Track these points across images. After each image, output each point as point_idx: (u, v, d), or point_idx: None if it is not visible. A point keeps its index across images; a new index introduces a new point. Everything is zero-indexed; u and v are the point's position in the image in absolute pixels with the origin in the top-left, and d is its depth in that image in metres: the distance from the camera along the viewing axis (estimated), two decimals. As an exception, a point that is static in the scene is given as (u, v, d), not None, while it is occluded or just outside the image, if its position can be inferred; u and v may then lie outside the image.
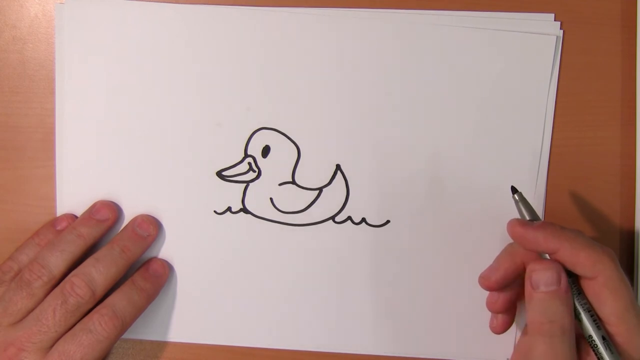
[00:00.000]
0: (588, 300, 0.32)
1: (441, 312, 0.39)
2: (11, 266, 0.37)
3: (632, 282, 0.39)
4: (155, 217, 0.39)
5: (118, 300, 0.36)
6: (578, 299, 0.32)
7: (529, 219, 0.34)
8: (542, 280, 0.32)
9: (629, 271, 0.40)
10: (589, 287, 0.32)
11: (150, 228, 0.38)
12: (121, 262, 0.36)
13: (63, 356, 0.34)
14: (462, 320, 0.39)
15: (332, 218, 0.39)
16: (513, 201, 0.35)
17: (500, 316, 0.37)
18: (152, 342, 0.40)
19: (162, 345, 0.40)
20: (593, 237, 0.39)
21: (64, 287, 0.35)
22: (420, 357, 0.40)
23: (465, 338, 0.39)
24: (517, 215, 0.35)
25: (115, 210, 0.39)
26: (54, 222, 0.39)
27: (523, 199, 0.34)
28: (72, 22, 0.38)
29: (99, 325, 0.34)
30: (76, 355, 0.34)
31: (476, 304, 0.38)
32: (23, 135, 0.40)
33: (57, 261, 0.36)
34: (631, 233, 0.39)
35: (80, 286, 0.35)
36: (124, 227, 0.39)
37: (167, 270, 0.39)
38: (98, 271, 0.35)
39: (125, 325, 0.36)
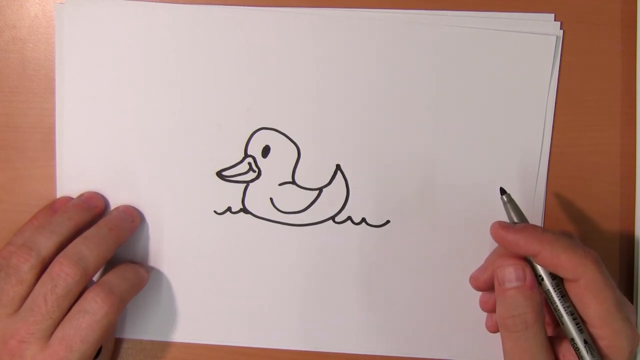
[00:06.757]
0: (572, 303, 0.32)
1: (441, 312, 0.39)
2: (10, 251, 0.35)
3: (632, 283, 0.39)
4: (159, 218, 0.39)
5: (112, 277, 0.35)
6: (561, 302, 0.32)
7: (516, 221, 0.34)
8: (506, 277, 0.33)
9: (629, 272, 0.40)
10: (572, 290, 0.32)
11: (134, 214, 0.38)
12: (110, 239, 0.36)
13: (63, 342, 0.32)
14: (462, 320, 0.39)
15: (332, 218, 0.39)
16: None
17: (494, 315, 0.37)
18: (152, 342, 0.40)
19: (162, 345, 0.40)
20: (593, 237, 0.39)
21: (52, 270, 0.33)
22: (420, 357, 0.40)
23: (465, 338, 0.39)
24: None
25: (102, 200, 0.39)
26: (52, 204, 0.39)
27: (511, 201, 0.34)
28: (72, 22, 0.38)
29: (95, 303, 0.33)
30: (76, 339, 0.32)
31: (476, 304, 0.38)
32: (23, 135, 0.40)
33: (46, 242, 0.34)
34: (631, 233, 0.39)
35: (69, 265, 0.33)
36: (109, 212, 0.39)
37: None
38: (88, 248, 0.34)
39: (122, 301, 0.34)
